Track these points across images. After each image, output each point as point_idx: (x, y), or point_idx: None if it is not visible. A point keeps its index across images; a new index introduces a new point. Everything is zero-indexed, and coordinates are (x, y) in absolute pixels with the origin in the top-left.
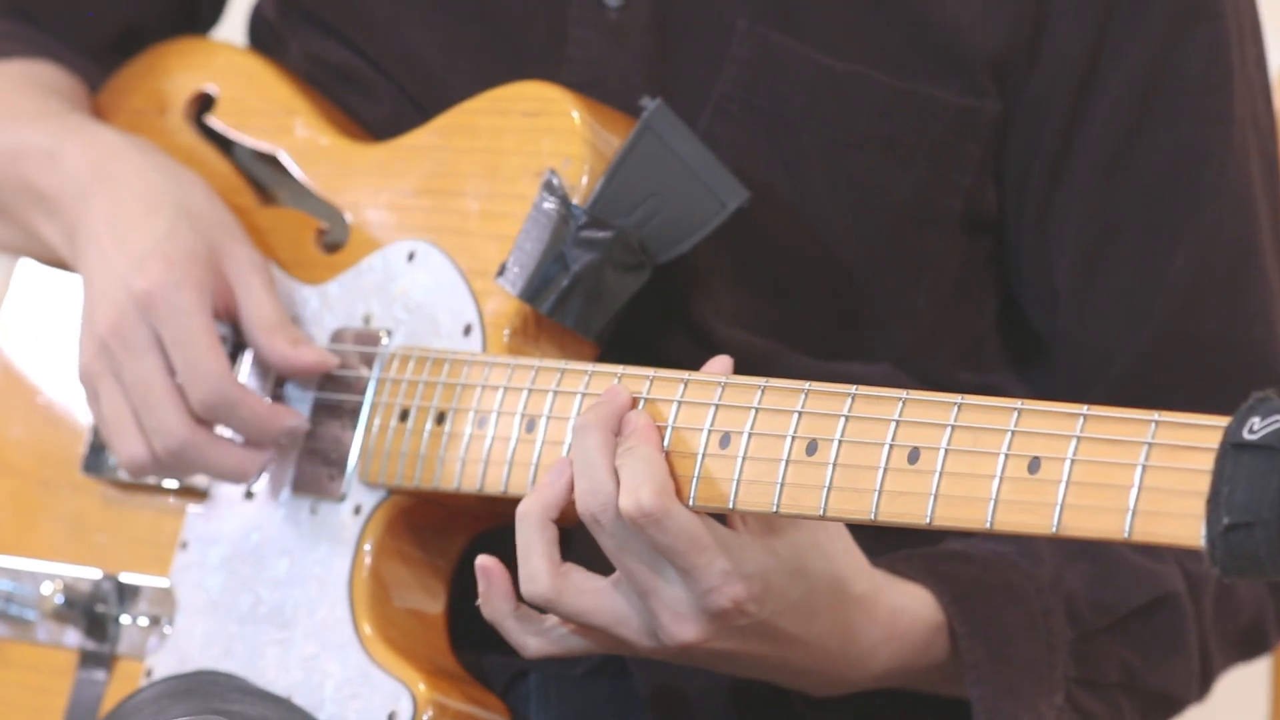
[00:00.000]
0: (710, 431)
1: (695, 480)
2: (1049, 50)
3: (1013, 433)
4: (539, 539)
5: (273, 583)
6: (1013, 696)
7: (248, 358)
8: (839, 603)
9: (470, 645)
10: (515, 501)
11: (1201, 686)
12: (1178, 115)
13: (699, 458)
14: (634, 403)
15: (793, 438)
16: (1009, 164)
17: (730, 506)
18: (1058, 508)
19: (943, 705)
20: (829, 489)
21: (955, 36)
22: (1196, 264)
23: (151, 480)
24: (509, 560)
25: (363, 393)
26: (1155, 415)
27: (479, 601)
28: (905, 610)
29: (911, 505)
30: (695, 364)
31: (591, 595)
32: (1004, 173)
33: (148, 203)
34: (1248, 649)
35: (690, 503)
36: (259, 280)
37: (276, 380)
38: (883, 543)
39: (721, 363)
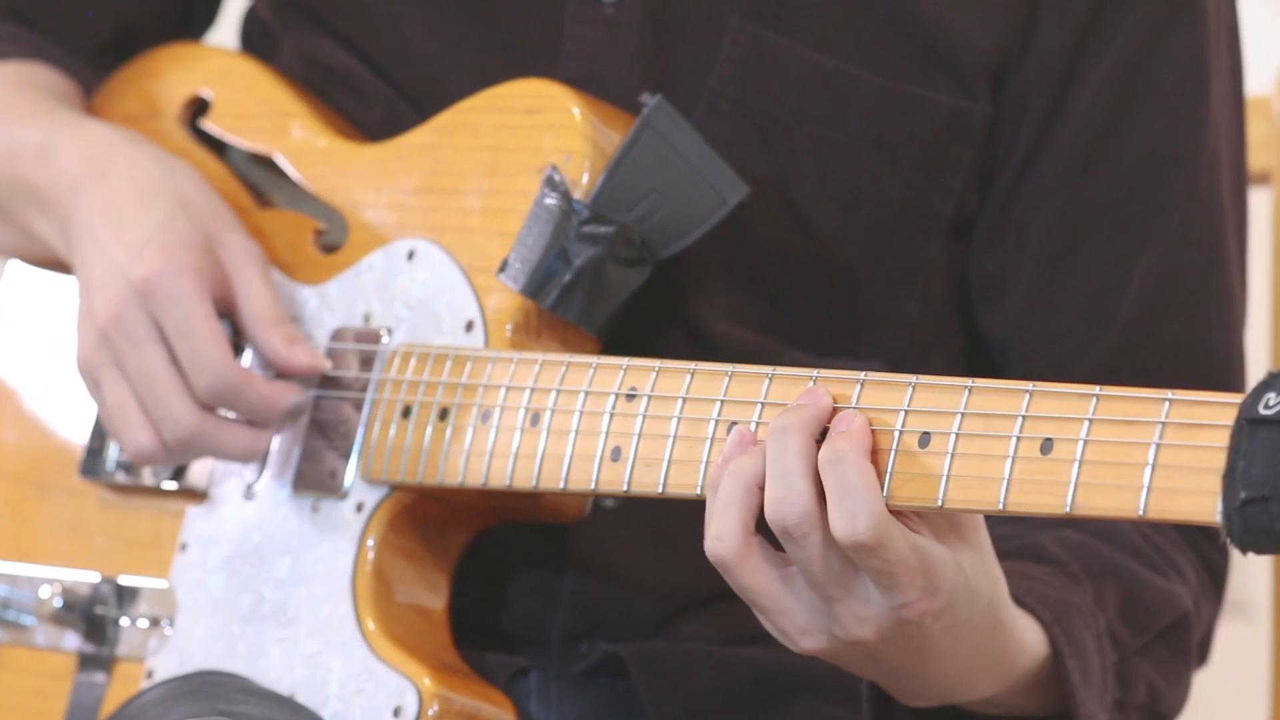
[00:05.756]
0: (717, 422)
1: None
2: (1033, 49)
3: (1024, 416)
4: (741, 503)
5: (275, 581)
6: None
7: (249, 353)
8: (989, 628)
9: (471, 644)
10: (518, 496)
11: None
12: (1152, 117)
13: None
14: (834, 406)
15: None
16: (986, 159)
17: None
18: (1071, 487)
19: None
20: None
21: (947, 38)
22: (1163, 267)
23: (149, 482)
24: (513, 557)
25: (364, 391)
26: (1169, 394)
27: None
28: (1026, 648)
29: (923, 488)
30: (693, 360)
31: (766, 578)
32: (980, 168)
33: (142, 193)
34: (1199, 661)
35: None
36: (255, 270)
37: (277, 374)
38: None
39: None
